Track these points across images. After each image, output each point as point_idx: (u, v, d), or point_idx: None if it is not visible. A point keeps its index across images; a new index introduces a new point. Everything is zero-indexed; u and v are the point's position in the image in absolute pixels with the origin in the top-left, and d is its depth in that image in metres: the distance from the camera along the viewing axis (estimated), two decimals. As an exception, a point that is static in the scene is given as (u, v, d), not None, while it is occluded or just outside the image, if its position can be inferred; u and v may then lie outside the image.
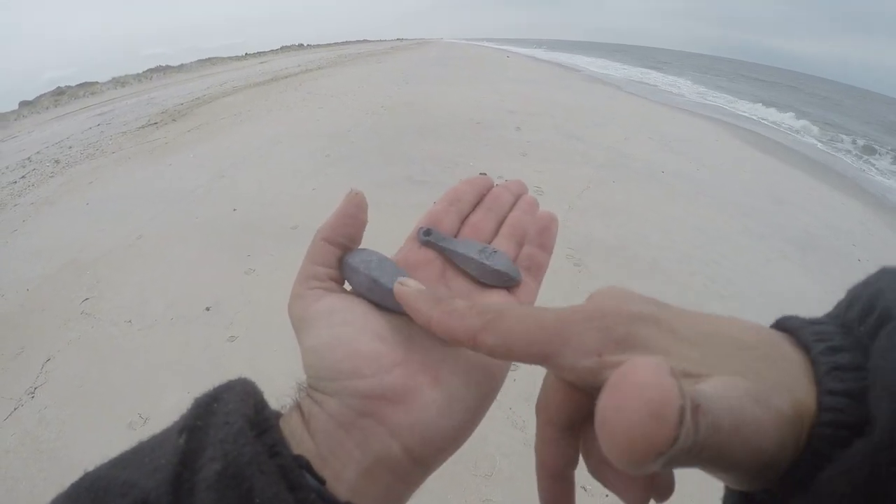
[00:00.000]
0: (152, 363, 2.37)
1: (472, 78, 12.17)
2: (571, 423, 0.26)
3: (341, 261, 0.35)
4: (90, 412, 2.14)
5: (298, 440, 0.27)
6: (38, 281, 3.16)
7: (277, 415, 0.29)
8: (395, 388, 0.28)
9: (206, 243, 3.45)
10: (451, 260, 0.37)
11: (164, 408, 2.12)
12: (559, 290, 2.85)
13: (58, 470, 1.90)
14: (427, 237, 0.37)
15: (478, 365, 0.31)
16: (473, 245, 0.37)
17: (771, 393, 0.19)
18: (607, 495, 1.96)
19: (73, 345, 2.53)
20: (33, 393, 2.26)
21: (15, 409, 2.19)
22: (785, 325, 0.23)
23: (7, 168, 6.35)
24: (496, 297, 0.35)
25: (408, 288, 0.30)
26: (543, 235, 0.39)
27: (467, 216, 0.40)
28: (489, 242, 0.39)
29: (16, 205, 4.79)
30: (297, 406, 0.30)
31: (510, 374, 2.38)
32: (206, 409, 0.26)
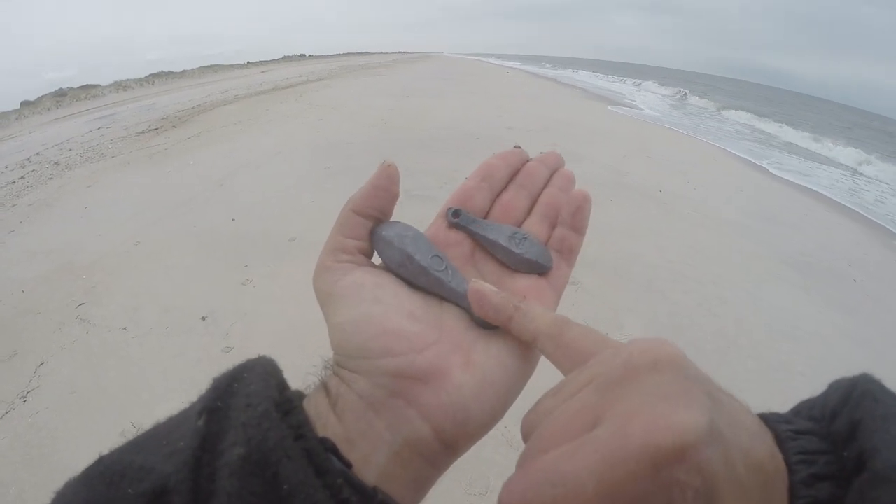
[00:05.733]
0: (146, 371, 2.35)
1: (471, 93, 12.26)
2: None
3: (372, 233, 0.33)
4: (82, 419, 2.12)
5: (324, 422, 0.26)
6: (33, 283, 3.14)
7: (300, 395, 0.28)
8: (427, 369, 0.28)
9: (204, 252, 3.45)
10: (481, 243, 0.36)
11: (157, 417, 2.10)
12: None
13: (48, 475, 1.87)
14: (455, 219, 0.36)
15: (512, 349, 0.30)
16: (503, 230, 0.35)
17: None
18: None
19: (67, 350, 2.51)
20: (25, 397, 2.24)
21: (6, 412, 2.17)
22: (773, 428, 0.22)
23: (6, 168, 6.31)
24: (526, 283, 0.34)
25: (486, 288, 0.30)
26: (576, 217, 0.37)
27: (499, 193, 0.39)
28: (521, 222, 0.37)
29: (14, 205, 4.76)
30: (323, 385, 0.29)
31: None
32: (227, 390, 0.25)
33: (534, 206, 0.38)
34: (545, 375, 0.33)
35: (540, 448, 0.21)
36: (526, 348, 0.31)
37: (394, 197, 0.34)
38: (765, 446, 0.20)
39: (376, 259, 0.34)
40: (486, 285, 0.30)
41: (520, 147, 0.40)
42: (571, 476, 0.18)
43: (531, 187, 0.38)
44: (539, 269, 0.34)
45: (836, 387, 0.24)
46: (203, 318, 2.70)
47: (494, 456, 1.90)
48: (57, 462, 1.93)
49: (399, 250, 0.32)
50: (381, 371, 0.27)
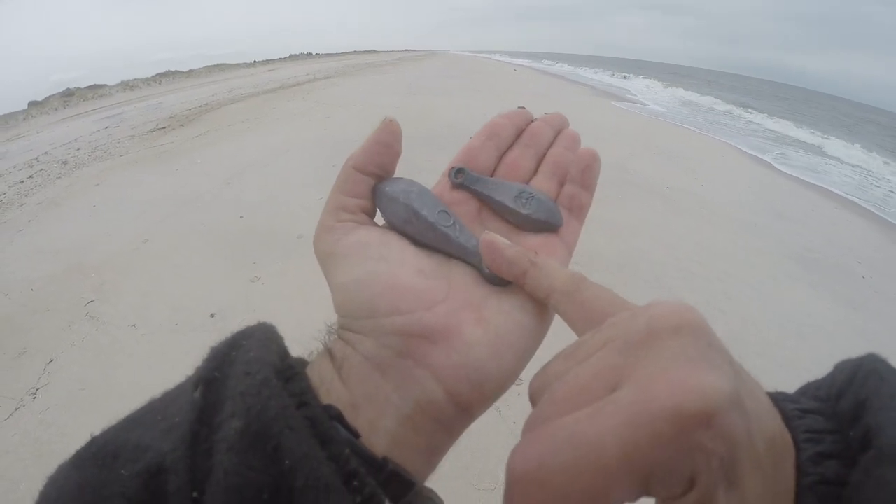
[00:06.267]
0: (155, 369, 2.36)
1: (476, 90, 12.23)
2: None
3: (375, 189, 0.32)
4: (92, 415, 2.13)
5: (329, 387, 0.25)
6: (42, 281, 3.16)
7: (303, 362, 0.27)
8: (436, 327, 0.26)
9: (212, 250, 3.46)
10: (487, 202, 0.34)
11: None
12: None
13: (58, 472, 1.88)
14: (458, 179, 0.34)
15: (525, 305, 0.29)
16: (510, 189, 0.34)
17: None
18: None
19: (77, 347, 2.53)
20: (35, 394, 2.26)
21: (16, 409, 2.18)
22: (780, 407, 0.22)
23: (14, 167, 6.34)
24: (537, 239, 0.33)
25: (500, 240, 0.29)
26: (586, 174, 0.35)
27: (505, 152, 0.37)
28: (528, 181, 0.36)
29: (22, 204, 4.79)
30: (327, 351, 0.27)
31: (514, 388, 2.36)
32: (224, 359, 0.23)
33: (540, 166, 0.37)
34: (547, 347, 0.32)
35: (554, 411, 0.20)
36: (539, 306, 0.29)
37: (396, 154, 0.32)
38: (776, 423, 0.20)
39: (378, 219, 0.33)
40: (499, 237, 0.30)
41: (524, 108, 0.39)
42: (593, 438, 0.17)
43: (537, 147, 0.37)
44: (549, 228, 0.33)
45: (841, 367, 0.24)
46: (212, 316, 2.72)
47: (503, 452, 1.89)
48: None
49: (405, 206, 0.30)
50: (387, 330, 0.26)
